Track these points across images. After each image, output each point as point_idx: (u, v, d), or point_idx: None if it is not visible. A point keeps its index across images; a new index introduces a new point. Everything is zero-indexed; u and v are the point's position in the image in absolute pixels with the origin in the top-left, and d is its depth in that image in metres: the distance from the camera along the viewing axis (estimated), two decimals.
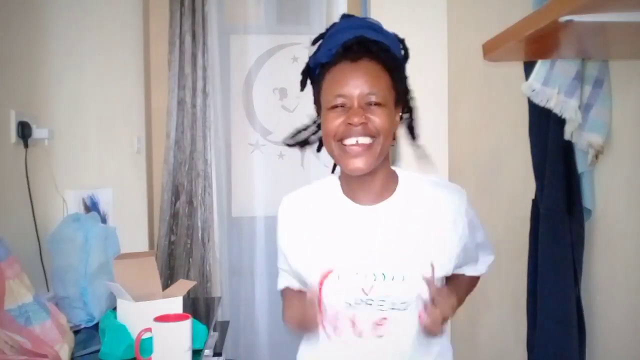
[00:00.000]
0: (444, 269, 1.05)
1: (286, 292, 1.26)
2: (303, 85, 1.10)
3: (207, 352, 1.65)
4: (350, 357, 1.06)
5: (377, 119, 0.97)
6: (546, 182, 1.49)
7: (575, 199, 1.44)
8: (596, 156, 1.40)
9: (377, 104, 0.98)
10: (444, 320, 1.00)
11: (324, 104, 1.02)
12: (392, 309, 1.01)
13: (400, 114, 1.09)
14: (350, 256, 1.02)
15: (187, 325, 1.28)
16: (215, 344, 2.03)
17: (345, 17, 1.09)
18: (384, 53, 1.01)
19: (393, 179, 1.09)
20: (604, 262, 1.45)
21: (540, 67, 1.40)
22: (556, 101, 1.38)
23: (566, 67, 1.37)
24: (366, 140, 0.98)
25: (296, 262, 1.12)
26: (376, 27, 1.05)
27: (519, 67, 1.63)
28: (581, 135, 1.40)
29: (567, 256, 1.43)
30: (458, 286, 1.16)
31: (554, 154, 1.46)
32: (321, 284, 1.02)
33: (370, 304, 1.01)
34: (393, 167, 1.13)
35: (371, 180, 1.05)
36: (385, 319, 1.01)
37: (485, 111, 2.33)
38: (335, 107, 0.99)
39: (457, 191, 1.10)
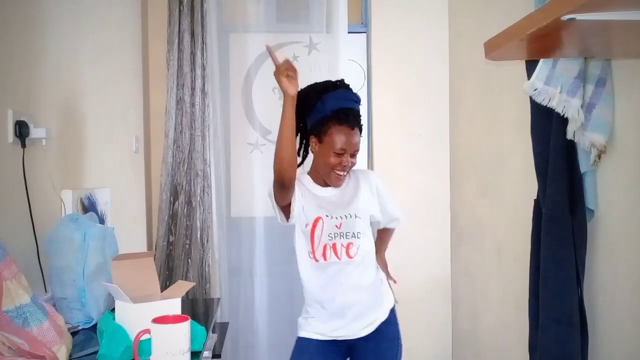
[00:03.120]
0: (369, 212, 1.79)
1: None
2: (317, 99, 1.77)
3: (206, 353, 1.65)
4: (338, 274, 1.71)
5: (354, 160, 1.73)
6: (548, 182, 1.48)
7: (577, 199, 1.43)
8: (599, 156, 1.39)
9: (355, 152, 1.73)
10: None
11: (329, 146, 1.70)
12: (353, 236, 1.72)
13: None
14: (328, 210, 1.74)
15: (185, 326, 1.28)
16: (214, 346, 2.02)
17: (346, 87, 1.81)
18: (360, 123, 1.74)
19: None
20: (606, 263, 1.44)
21: (542, 66, 1.39)
22: (558, 100, 1.37)
23: (568, 66, 1.36)
24: (346, 172, 1.74)
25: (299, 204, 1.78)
26: (359, 101, 1.79)
27: (520, 66, 1.62)
28: (584, 135, 1.39)
29: (570, 256, 1.42)
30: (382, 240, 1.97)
31: (556, 153, 1.45)
32: (314, 225, 1.72)
33: (341, 235, 1.72)
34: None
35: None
36: (351, 243, 1.72)
37: (486, 110, 2.32)
38: (338, 153, 1.70)
39: (370, 172, 1.91)
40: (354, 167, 1.80)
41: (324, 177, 1.76)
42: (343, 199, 1.78)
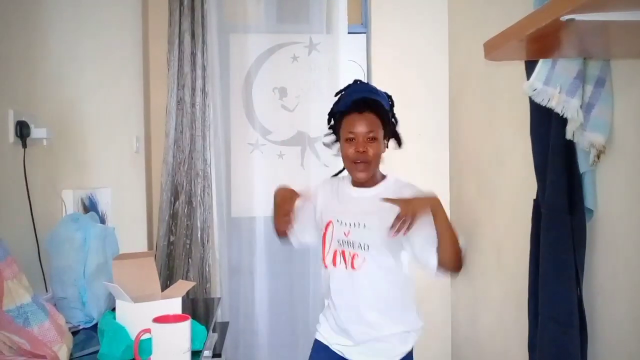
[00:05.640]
0: (383, 228, 1.55)
1: None
2: (329, 122, 1.74)
3: (206, 353, 1.65)
4: (344, 284, 1.65)
5: (372, 149, 1.61)
6: (548, 182, 1.48)
7: (576, 199, 1.43)
8: (598, 156, 1.39)
9: (373, 138, 1.61)
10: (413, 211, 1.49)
11: (342, 136, 1.65)
12: (360, 248, 1.62)
13: (387, 141, 1.70)
14: (340, 214, 1.67)
15: (186, 326, 1.28)
16: (215, 345, 2.02)
17: (356, 82, 1.74)
18: (377, 107, 1.64)
19: (381, 178, 1.70)
20: (605, 263, 1.45)
21: (541, 66, 1.39)
22: (558, 100, 1.37)
23: (568, 67, 1.36)
24: (365, 161, 1.61)
25: (315, 213, 1.76)
26: (374, 91, 1.69)
27: (520, 67, 1.62)
28: (583, 135, 1.39)
29: (569, 256, 1.42)
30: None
31: (556, 153, 1.45)
32: (326, 227, 1.69)
33: (349, 243, 1.64)
34: (386, 174, 1.72)
35: (366, 179, 1.67)
36: (356, 255, 1.62)
37: (486, 110, 2.32)
38: (348, 139, 1.62)
39: (420, 191, 1.65)
40: (410, 184, 1.66)
41: (350, 173, 1.69)
42: (369, 204, 1.64)
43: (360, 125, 1.60)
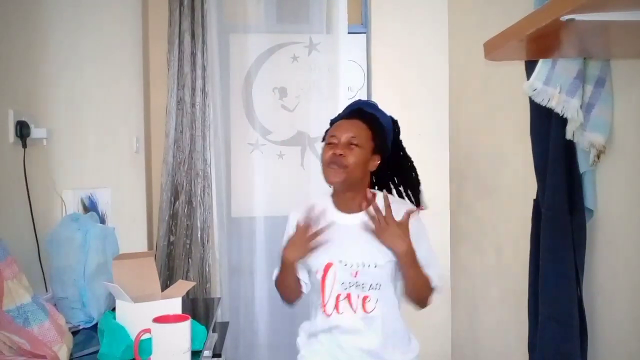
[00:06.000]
0: (393, 263, 1.50)
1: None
2: (324, 139, 1.61)
3: (206, 353, 1.65)
4: (355, 329, 1.50)
5: (351, 155, 1.49)
6: (548, 182, 1.48)
7: (576, 199, 1.43)
8: (598, 156, 1.39)
9: (355, 144, 1.50)
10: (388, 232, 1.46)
11: (325, 142, 1.55)
12: (371, 288, 1.50)
13: (379, 161, 1.57)
14: (342, 253, 1.51)
15: (186, 326, 1.28)
16: (215, 345, 2.02)
17: (356, 101, 1.68)
18: (370, 118, 1.55)
19: (371, 199, 1.56)
20: (605, 262, 1.45)
21: (541, 66, 1.40)
22: (558, 100, 1.38)
23: (568, 67, 1.36)
24: (340, 164, 1.49)
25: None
26: (373, 106, 1.62)
27: (520, 67, 1.62)
28: (583, 135, 1.39)
29: (569, 256, 1.42)
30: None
31: (556, 153, 1.45)
32: (326, 270, 1.51)
33: (358, 286, 1.50)
34: (374, 191, 1.61)
35: (351, 198, 1.56)
36: (368, 297, 1.49)
37: (486, 110, 2.32)
38: (330, 143, 1.53)
39: (407, 205, 1.62)
40: (402, 200, 1.63)
41: (325, 178, 1.54)
42: (363, 236, 1.49)
43: (344, 129, 1.52)
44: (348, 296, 1.50)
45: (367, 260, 1.49)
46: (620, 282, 1.39)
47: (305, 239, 1.49)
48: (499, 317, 2.20)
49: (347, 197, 1.56)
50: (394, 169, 1.68)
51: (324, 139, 1.62)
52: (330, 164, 1.50)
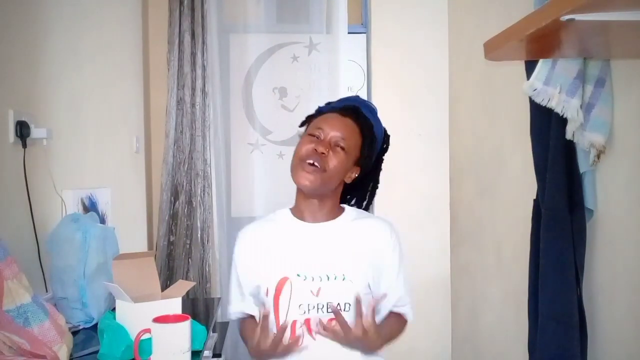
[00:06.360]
0: (366, 279, 1.24)
1: (244, 325, 1.39)
2: (303, 124, 1.39)
3: (206, 353, 1.65)
4: None
5: (335, 158, 1.25)
6: (548, 182, 1.48)
7: (576, 199, 1.43)
8: (598, 156, 1.39)
9: (342, 148, 1.26)
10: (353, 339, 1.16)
11: (306, 132, 1.31)
12: (339, 309, 1.17)
13: (356, 174, 1.34)
14: (299, 265, 1.22)
15: (186, 326, 1.28)
16: (215, 345, 2.02)
17: (356, 95, 1.50)
18: (366, 125, 1.32)
19: (339, 210, 1.34)
20: (605, 262, 1.45)
21: (541, 66, 1.39)
22: (558, 100, 1.37)
23: (568, 67, 1.36)
24: (319, 164, 1.23)
25: (255, 278, 1.29)
26: (372, 110, 1.38)
27: (520, 67, 1.62)
28: (583, 135, 1.39)
29: (569, 256, 1.42)
30: (385, 325, 1.29)
31: (556, 153, 1.45)
32: (278, 291, 1.21)
33: (321, 308, 1.19)
34: (343, 205, 1.38)
35: (318, 206, 1.30)
36: (333, 320, 1.16)
37: (486, 110, 2.32)
38: (313, 135, 1.27)
39: (387, 222, 1.36)
40: (371, 215, 1.40)
41: (293, 177, 1.27)
42: (330, 243, 1.25)
43: (334, 125, 1.27)
44: (307, 323, 1.19)
45: (333, 272, 1.20)
46: (620, 282, 1.39)
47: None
48: (499, 317, 2.20)
49: (312, 204, 1.30)
50: (362, 186, 1.43)
51: (304, 124, 1.38)
52: (306, 160, 1.24)
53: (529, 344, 1.61)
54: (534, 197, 1.59)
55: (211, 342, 1.94)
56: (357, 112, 1.32)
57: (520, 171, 1.91)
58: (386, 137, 1.42)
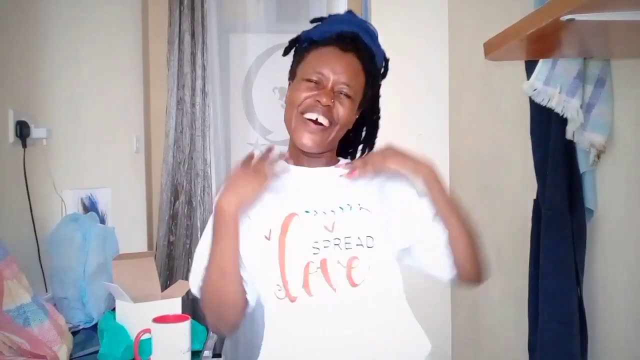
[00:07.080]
0: (384, 212, 1.05)
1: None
2: (286, 52, 1.15)
3: (206, 353, 1.64)
4: (327, 323, 0.97)
5: (342, 108, 1.03)
6: (548, 182, 1.48)
7: (577, 199, 1.43)
8: (598, 156, 1.39)
9: (347, 95, 1.04)
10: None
11: (300, 74, 1.06)
12: (359, 244, 0.98)
13: (357, 117, 1.13)
14: (307, 202, 1.03)
15: (186, 326, 1.28)
16: (215, 345, 2.01)
17: (349, 12, 1.17)
18: (369, 58, 1.09)
19: (335, 161, 1.14)
20: (605, 263, 1.45)
21: (541, 66, 1.39)
22: (558, 100, 1.37)
23: (568, 67, 1.36)
24: (325, 121, 1.02)
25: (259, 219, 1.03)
26: (373, 35, 1.12)
27: (520, 66, 1.62)
28: (583, 135, 1.39)
29: (569, 256, 1.42)
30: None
31: (556, 153, 1.45)
32: (284, 230, 0.99)
33: (337, 244, 0.98)
34: (338, 158, 1.17)
35: (316, 159, 1.10)
36: (356, 257, 0.97)
37: (486, 110, 2.32)
38: (310, 80, 1.03)
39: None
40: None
41: (290, 133, 1.06)
42: (337, 180, 1.06)
43: (337, 67, 1.02)
44: (323, 264, 0.96)
45: (346, 202, 1.02)
46: (621, 281, 1.38)
47: (252, 172, 0.95)
48: (499, 317, 2.20)
49: (310, 156, 1.09)
50: (362, 127, 1.20)
51: (287, 52, 1.15)
52: (308, 112, 1.02)
53: (529, 343, 1.61)
54: (534, 197, 1.59)
55: (211, 342, 1.94)
56: (358, 43, 1.07)
57: (520, 171, 1.91)
58: (385, 63, 1.18)
